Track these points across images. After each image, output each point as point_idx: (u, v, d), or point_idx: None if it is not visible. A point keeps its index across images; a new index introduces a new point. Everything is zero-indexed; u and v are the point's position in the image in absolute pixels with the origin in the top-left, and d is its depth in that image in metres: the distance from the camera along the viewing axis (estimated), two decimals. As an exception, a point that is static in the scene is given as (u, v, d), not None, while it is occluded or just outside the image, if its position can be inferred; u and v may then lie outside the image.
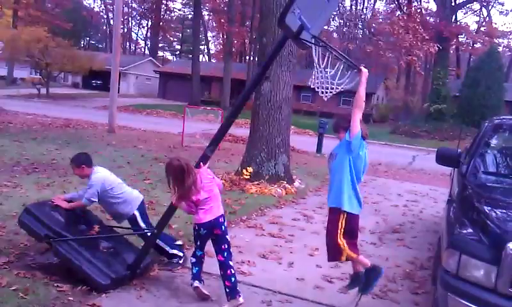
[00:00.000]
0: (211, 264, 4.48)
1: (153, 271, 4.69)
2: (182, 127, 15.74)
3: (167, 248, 4.86)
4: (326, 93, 4.03)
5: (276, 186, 9.25)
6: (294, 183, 9.90)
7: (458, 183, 4.65)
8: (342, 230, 3.83)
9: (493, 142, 5.16)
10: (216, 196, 4.05)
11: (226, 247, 4.08)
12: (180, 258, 4.96)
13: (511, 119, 6.11)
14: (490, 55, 32.10)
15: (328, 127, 18.46)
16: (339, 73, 3.98)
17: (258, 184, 9.22)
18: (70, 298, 3.94)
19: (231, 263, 4.10)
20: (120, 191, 4.84)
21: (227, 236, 4.11)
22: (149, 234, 4.67)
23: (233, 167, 10.67)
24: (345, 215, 3.83)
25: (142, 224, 4.88)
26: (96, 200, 4.70)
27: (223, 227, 4.05)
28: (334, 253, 3.95)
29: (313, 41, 3.93)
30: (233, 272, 4.06)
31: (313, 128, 21.00)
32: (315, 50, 3.93)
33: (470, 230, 3.33)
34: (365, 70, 3.85)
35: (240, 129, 22.62)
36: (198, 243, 4.14)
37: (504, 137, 5.53)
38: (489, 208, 3.55)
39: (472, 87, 31.42)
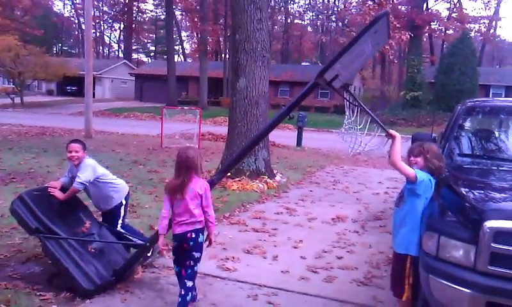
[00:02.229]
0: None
1: (137, 274, 4.65)
2: (161, 129, 15.63)
3: (138, 241, 4.87)
4: (353, 147, 3.99)
5: (257, 181, 9.26)
6: (276, 178, 9.93)
7: (434, 167, 4.71)
8: (409, 273, 3.65)
9: (467, 124, 5.25)
10: (193, 215, 3.71)
11: (190, 263, 3.80)
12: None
13: (484, 102, 6.23)
14: (463, 40, 32.63)
15: (307, 120, 18.55)
16: (367, 127, 3.92)
17: (239, 180, 9.22)
18: (53, 306, 3.89)
19: (188, 284, 3.80)
20: (113, 177, 4.97)
21: (194, 254, 3.79)
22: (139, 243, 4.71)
23: (213, 165, 10.63)
24: (411, 259, 3.64)
25: (123, 213, 5.00)
26: (88, 184, 4.69)
27: (191, 243, 3.73)
28: (398, 291, 3.83)
29: (345, 95, 3.91)
30: (183, 293, 3.78)
31: (293, 122, 21.09)
32: (347, 102, 3.92)
33: (447, 212, 3.39)
34: (395, 133, 3.71)
35: (219, 127, 22.59)
36: (173, 255, 3.95)
37: (478, 119, 5.61)
38: (465, 189, 3.61)
39: (446, 73, 31.95)
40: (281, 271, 4.96)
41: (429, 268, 3.21)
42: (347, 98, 3.94)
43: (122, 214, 5.03)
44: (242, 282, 4.62)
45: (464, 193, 3.51)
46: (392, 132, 3.72)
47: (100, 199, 4.95)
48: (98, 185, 4.81)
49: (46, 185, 4.83)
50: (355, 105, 3.92)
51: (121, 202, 4.99)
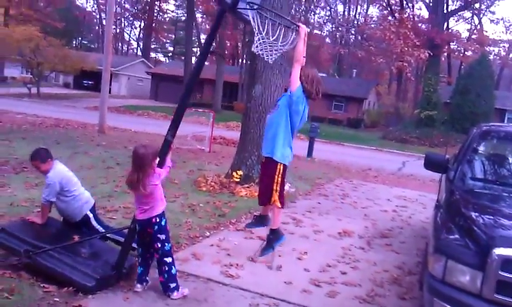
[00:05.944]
0: (196, 266, 4.47)
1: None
2: (173, 129, 15.66)
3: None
4: (270, 55, 4.10)
5: (266, 189, 9.23)
6: (284, 187, 9.88)
7: (446, 189, 4.68)
8: (279, 180, 4.19)
9: (481, 148, 5.19)
10: (155, 199, 4.08)
11: (158, 246, 4.11)
12: None
13: (499, 127, 6.17)
14: (481, 63, 32.39)
15: (319, 131, 18.53)
16: (281, 36, 4.07)
17: (248, 187, 9.20)
18: (55, 299, 3.90)
19: (167, 260, 4.15)
20: (77, 189, 4.83)
21: (160, 236, 4.11)
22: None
23: (223, 169, 10.65)
24: (281, 167, 4.17)
25: (96, 225, 4.92)
26: (54, 199, 4.65)
27: (156, 227, 4.09)
28: (267, 197, 4.31)
29: (247, 7, 3.98)
30: (166, 269, 4.13)
31: (305, 132, 21.11)
32: (253, 17, 3.96)
33: (456, 235, 3.36)
34: (303, 27, 4.13)
35: (232, 132, 22.64)
36: (136, 237, 4.29)
37: (492, 144, 5.55)
38: (475, 213, 3.57)
39: (462, 95, 31.72)
40: (284, 282, 4.93)
41: (434, 292, 3.18)
42: (253, 8, 3.99)
43: (97, 226, 4.92)
44: (245, 290, 4.60)
45: (474, 217, 3.47)
46: (301, 25, 4.12)
47: (63, 212, 4.88)
48: (60, 198, 4.73)
49: (25, 218, 4.96)
50: (256, 8, 3.97)
51: (87, 215, 4.86)
